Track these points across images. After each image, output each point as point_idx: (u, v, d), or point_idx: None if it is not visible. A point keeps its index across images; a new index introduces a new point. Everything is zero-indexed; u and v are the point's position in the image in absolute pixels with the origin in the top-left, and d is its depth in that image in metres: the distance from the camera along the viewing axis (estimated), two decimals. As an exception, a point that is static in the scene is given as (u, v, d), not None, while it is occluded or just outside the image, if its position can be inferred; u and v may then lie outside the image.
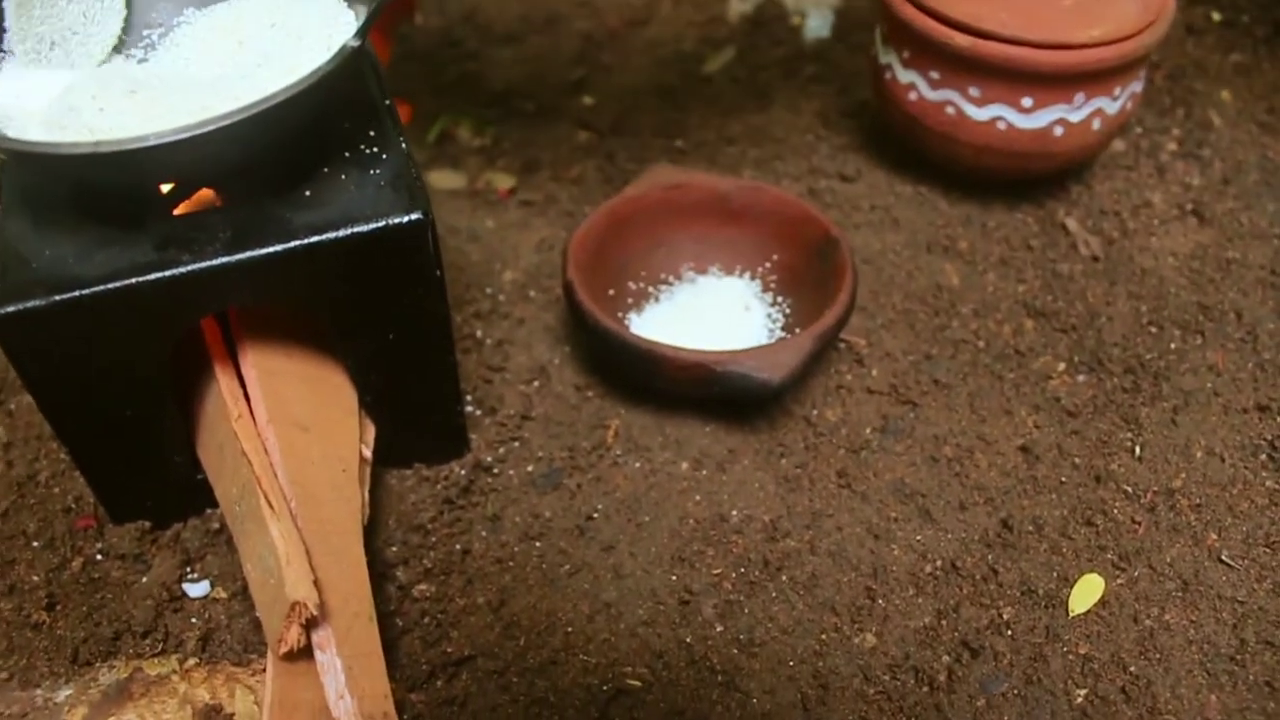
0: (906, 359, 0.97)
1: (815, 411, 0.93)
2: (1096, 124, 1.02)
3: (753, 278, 1.01)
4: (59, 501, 0.87)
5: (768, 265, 1.01)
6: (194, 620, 0.79)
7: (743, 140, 1.22)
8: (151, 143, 0.63)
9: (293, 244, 0.70)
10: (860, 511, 0.86)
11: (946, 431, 0.92)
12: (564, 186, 1.18)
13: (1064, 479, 0.88)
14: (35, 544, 0.85)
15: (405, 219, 0.72)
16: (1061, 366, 0.97)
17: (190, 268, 0.69)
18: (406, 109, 1.26)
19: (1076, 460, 0.90)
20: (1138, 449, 0.90)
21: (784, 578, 0.82)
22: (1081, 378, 0.96)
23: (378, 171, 0.75)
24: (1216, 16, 1.40)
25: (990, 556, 0.83)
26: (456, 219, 1.13)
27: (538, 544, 0.85)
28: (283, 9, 0.78)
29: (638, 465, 0.90)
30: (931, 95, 1.04)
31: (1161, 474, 0.89)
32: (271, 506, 0.70)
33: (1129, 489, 0.88)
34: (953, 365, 0.97)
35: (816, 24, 1.39)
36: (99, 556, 0.84)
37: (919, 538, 0.85)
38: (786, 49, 1.37)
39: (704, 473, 0.89)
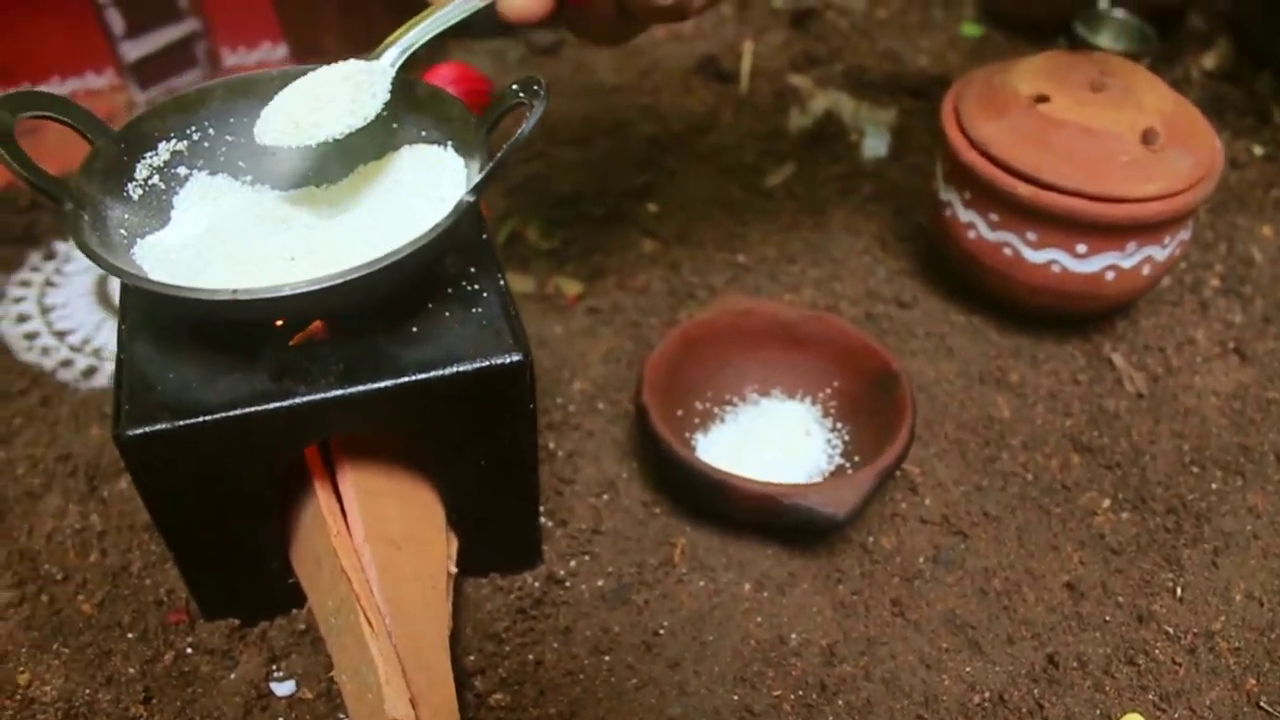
0: (958, 489, 1.02)
1: (871, 539, 0.97)
2: (1146, 270, 1.07)
3: (813, 403, 1.06)
4: (151, 594, 0.92)
5: (828, 391, 1.05)
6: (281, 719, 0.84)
7: (803, 259, 1.27)
8: (286, 293, 0.68)
9: (401, 380, 0.75)
10: (913, 640, 0.90)
11: (995, 564, 0.96)
12: (630, 295, 1.22)
13: (1108, 617, 0.92)
14: (130, 635, 0.89)
15: (507, 360, 0.77)
16: (1106, 503, 1.01)
17: (305, 399, 0.74)
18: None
19: (1120, 599, 0.94)
20: (1179, 590, 0.94)
21: (840, 702, 0.86)
22: (1125, 515, 1.00)
23: (479, 310, 0.80)
24: (1259, 151, 1.45)
25: (1036, 691, 0.87)
26: (527, 324, 1.17)
27: (606, 658, 0.89)
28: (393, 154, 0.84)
29: (702, 584, 0.94)
30: (990, 236, 1.09)
31: (1202, 616, 0.93)
32: (370, 624, 0.74)
33: (1170, 629, 0.91)
34: (1002, 498, 1.01)
35: (874, 143, 1.44)
36: (189, 651, 0.88)
37: (968, 669, 0.89)
38: (844, 166, 1.42)
39: (765, 594, 0.93)
